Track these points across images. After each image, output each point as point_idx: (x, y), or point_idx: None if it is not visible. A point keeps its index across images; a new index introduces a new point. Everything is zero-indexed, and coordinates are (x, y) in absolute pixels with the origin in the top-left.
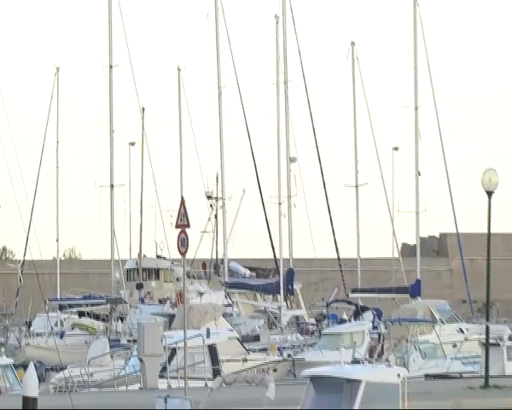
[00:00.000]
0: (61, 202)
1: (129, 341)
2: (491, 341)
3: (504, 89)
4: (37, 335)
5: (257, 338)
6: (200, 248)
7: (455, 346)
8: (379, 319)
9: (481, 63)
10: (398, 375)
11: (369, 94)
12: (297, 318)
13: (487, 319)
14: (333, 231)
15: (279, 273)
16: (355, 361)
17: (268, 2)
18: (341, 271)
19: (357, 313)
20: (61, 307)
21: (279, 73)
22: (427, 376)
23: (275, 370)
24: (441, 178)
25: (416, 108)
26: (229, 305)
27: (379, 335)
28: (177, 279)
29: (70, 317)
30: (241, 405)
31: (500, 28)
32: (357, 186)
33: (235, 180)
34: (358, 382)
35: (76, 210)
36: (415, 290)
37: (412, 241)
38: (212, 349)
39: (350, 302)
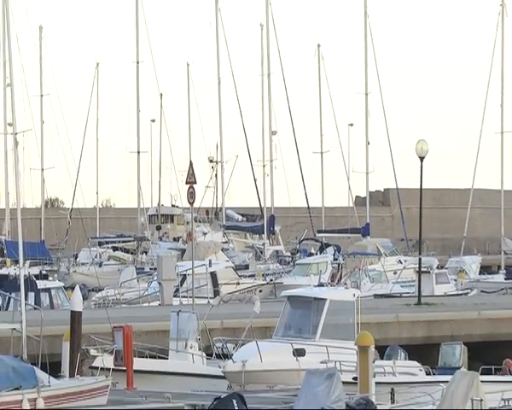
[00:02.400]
0: (100, 164)
1: (151, 269)
2: (422, 269)
3: (435, 74)
4: (82, 264)
5: (247, 267)
6: (204, 199)
7: (395, 273)
8: (338, 252)
9: (418, 56)
10: (354, 295)
11: (331, 83)
12: (277, 252)
13: (420, 253)
14: (304, 187)
15: (263, 218)
16: (320, 285)
17: (255, 14)
18: (310, 216)
19: (322, 248)
20: (100, 244)
21: (264, 67)
22: (375, 295)
23: (260, 291)
24: (385, 147)
25: (366, 94)
26: (225, 242)
27: (338, 265)
28: (187, 223)
29: (106, 251)
30: (234, 317)
31: (433, 28)
32: (321, 153)
33: (231, 148)
34: (324, 300)
35: (111, 170)
36: (365, 231)
37: (363, 194)
38: (213, 275)
39: (316, 240)
